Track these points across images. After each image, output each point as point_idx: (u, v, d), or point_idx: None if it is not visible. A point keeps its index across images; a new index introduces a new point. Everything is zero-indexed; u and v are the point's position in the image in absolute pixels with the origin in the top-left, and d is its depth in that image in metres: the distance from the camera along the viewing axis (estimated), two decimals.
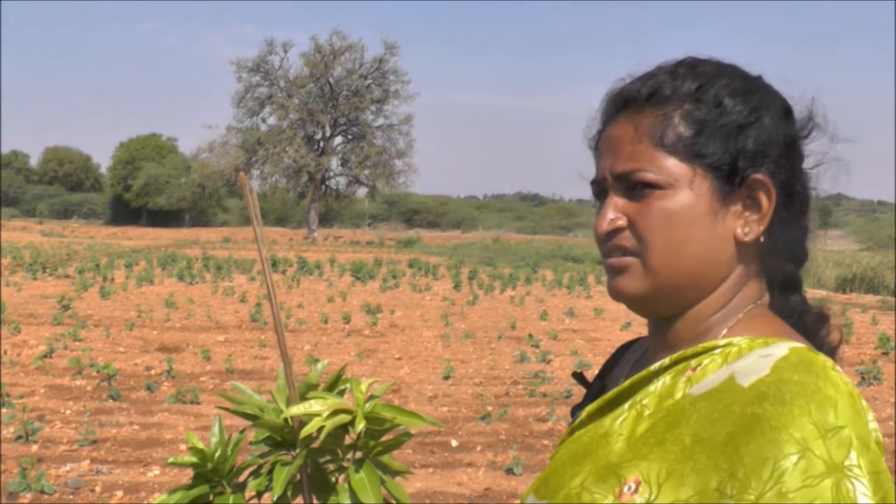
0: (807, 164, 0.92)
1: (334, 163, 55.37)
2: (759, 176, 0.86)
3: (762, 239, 0.88)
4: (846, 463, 0.71)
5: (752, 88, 0.89)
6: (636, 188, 0.87)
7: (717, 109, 0.86)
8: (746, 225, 0.87)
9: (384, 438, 0.91)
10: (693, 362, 0.85)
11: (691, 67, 0.90)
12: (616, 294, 0.90)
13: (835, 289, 25.13)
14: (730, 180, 0.86)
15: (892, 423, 7.62)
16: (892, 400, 8.65)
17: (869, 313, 17.74)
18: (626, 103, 0.90)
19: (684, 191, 0.86)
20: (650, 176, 0.86)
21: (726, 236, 0.87)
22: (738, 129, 0.86)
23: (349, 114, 54.17)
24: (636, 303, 0.90)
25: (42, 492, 5.20)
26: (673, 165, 0.86)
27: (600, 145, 0.93)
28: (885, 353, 11.77)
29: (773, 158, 0.87)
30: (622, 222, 0.88)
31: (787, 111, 0.90)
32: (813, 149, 0.92)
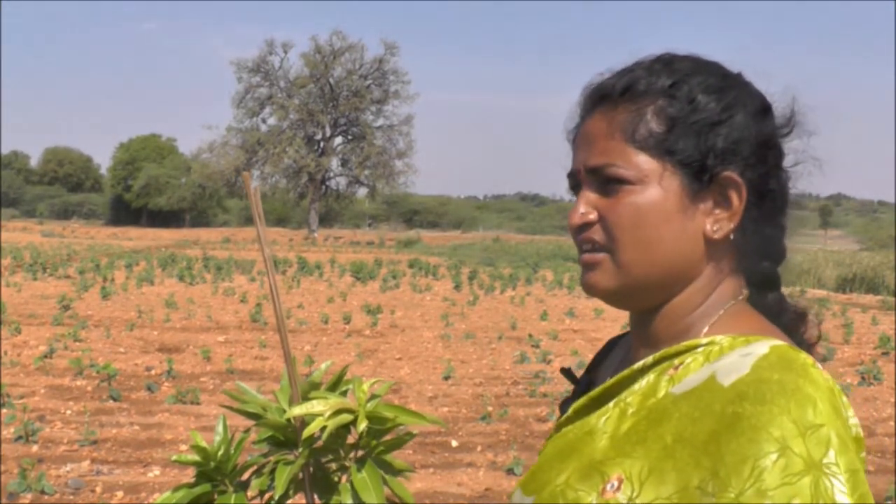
0: (787, 161, 0.92)
1: (334, 163, 55.40)
2: (729, 174, 0.86)
3: (733, 237, 0.88)
4: (824, 461, 0.71)
5: (728, 86, 0.89)
6: (608, 183, 0.88)
7: (690, 106, 0.86)
8: (716, 222, 0.87)
9: (386, 438, 0.91)
10: (676, 361, 0.86)
11: (667, 64, 0.90)
12: (588, 289, 0.90)
13: (835, 289, 25.10)
14: (699, 178, 0.86)
15: (892, 423, 7.62)
16: (892, 400, 8.64)
17: (869, 313, 17.73)
18: (601, 98, 0.91)
19: (654, 187, 0.86)
20: (620, 171, 0.86)
21: (696, 233, 0.87)
22: (710, 126, 0.86)
23: (349, 114, 54.18)
24: (609, 298, 0.90)
25: (42, 492, 5.20)
26: (643, 161, 0.86)
27: (577, 139, 0.94)
28: (885, 353, 11.76)
29: (744, 156, 0.87)
30: (593, 217, 0.89)
31: (764, 109, 0.90)
32: (793, 146, 0.92)
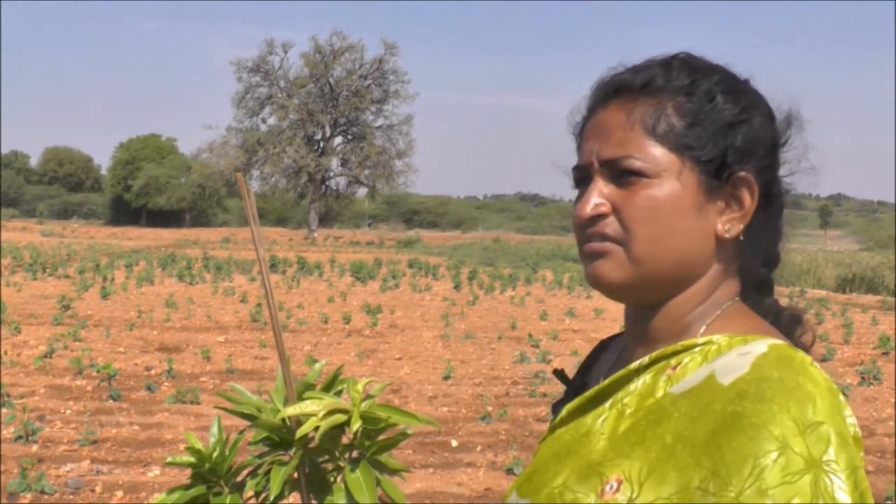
0: (783, 170, 0.92)
1: (334, 163, 55.42)
2: (744, 174, 0.87)
3: (741, 238, 0.88)
4: (824, 458, 0.71)
5: (743, 89, 0.90)
6: (623, 175, 0.87)
7: (710, 104, 0.87)
8: (728, 222, 0.87)
9: (381, 438, 0.90)
10: (673, 361, 0.85)
11: (684, 62, 0.90)
12: (595, 280, 0.89)
13: (835, 289, 25.09)
14: (717, 175, 0.86)
15: (891, 423, 7.62)
16: (892, 400, 8.64)
17: (869, 313, 17.73)
18: (617, 91, 0.90)
19: (672, 181, 0.85)
20: (638, 163, 0.86)
21: (708, 232, 0.87)
22: (729, 125, 0.87)
23: (349, 114, 54.18)
24: (615, 291, 0.89)
25: (42, 492, 5.20)
26: (662, 155, 0.86)
27: (587, 130, 0.92)
28: (885, 353, 11.76)
29: (758, 158, 0.88)
30: (605, 208, 0.87)
31: (771, 115, 0.91)
32: (788, 156, 0.92)
